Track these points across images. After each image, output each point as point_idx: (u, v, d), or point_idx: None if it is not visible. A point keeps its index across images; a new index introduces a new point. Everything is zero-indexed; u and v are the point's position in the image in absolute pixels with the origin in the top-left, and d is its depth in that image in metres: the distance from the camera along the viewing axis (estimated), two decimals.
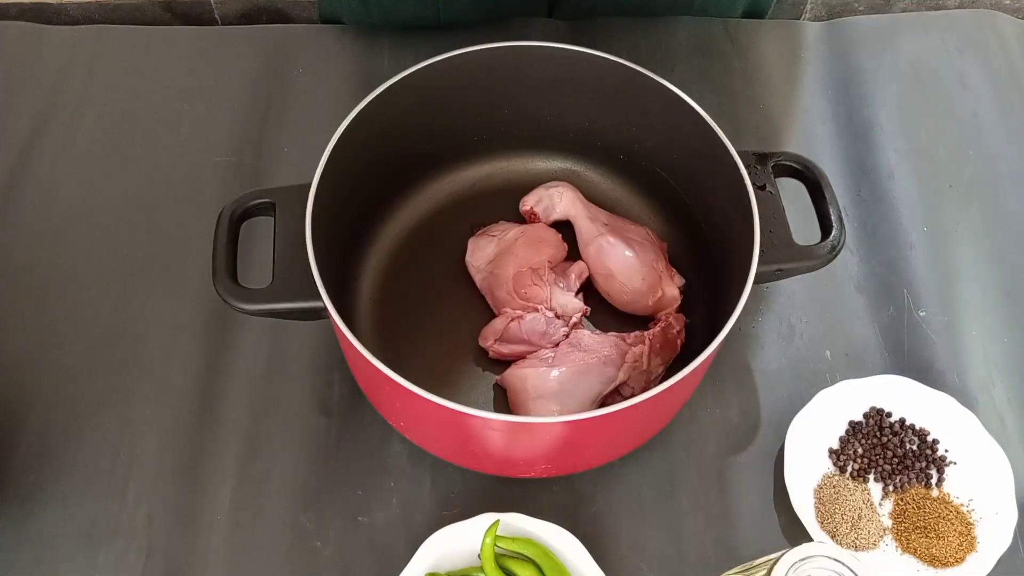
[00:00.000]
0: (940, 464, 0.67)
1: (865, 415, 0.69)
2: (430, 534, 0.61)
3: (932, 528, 0.64)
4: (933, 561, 0.63)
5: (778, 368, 0.72)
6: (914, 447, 0.68)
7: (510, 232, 0.74)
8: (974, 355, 0.73)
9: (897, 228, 0.80)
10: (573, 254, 0.75)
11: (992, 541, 0.63)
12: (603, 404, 0.66)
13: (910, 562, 0.64)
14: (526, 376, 0.66)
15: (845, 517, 0.65)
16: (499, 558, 0.60)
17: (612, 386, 0.67)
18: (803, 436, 0.67)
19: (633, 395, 0.56)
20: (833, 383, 0.69)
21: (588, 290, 0.74)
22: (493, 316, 0.72)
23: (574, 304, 0.71)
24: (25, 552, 0.64)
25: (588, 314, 0.72)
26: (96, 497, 0.66)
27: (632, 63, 0.69)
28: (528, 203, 0.77)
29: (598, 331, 0.69)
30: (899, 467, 0.67)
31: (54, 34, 0.91)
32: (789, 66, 0.90)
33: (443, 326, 0.72)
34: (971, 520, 0.65)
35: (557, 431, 0.58)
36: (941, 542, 0.64)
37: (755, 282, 0.60)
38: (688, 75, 0.87)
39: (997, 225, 0.81)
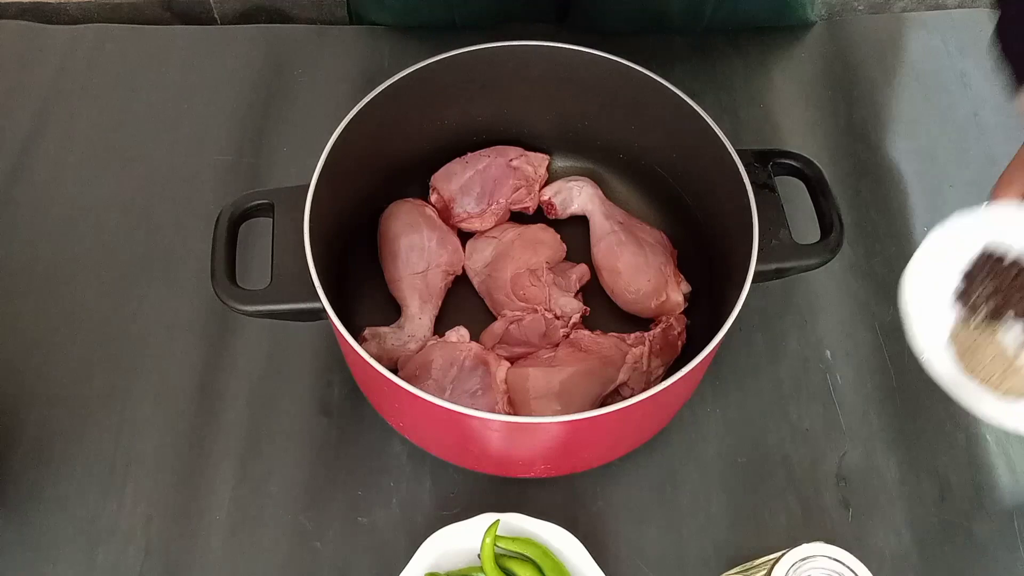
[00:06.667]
0: None
1: (987, 251, 0.60)
2: (430, 534, 0.61)
3: None
4: None
5: (778, 368, 0.72)
6: None
7: (507, 234, 0.74)
8: None
9: (897, 228, 0.80)
10: (573, 255, 0.75)
11: None
12: (603, 405, 0.66)
13: None
14: (526, 376, 0.66)
15: (994, 364, 0.57)
16: (499, 558, 0.60)
17: (612, 387, 0.67)
18: (922, 285, 0.60)
19: (633, 396, 0.56)
20: (833, 383, 0.69)
21: (588, 290, 0.74)
22: (493, 318, 0.72)
23: (573, 305, 0.71)
24: (24, 552, 0.64)
25: (588, 314, 0.72)
26: (95, 496, 0.66)
27: (632, 62, 0.69)
28: (547, 194, 0.77)
29: (598, 331, 0.69)
30: None
31: (53, 33, 0.91)
32: (789, 65, 0.90)
33: (442, 329, 0.71)
34: None
35: (557, 431, 0.58)
36: None
37: (754, 281, 0.60)
38: (688, 74, 0.87)
39: None
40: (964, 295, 0.60)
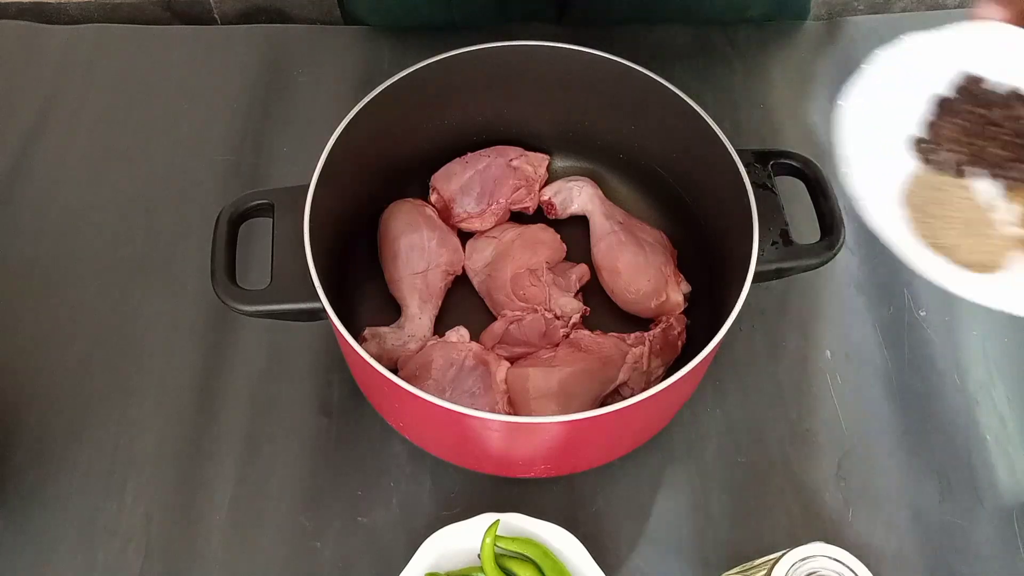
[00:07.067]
0: None
1: (957, 87, 0.49)
2: (430, 534, 0.61)
3: None
4: None
5: (778, 368, 0.72)
6: None
7: (507, 234, 0.74)
8: (974, 355, 0.73)
9: None
10: (573, 255, 0.75)
11: None
12: (603, 405, 0.66)
13: None
14: (526, 376, 0.66)
15: (949, 226, 0.46)
16: (499, 558, 0.60)
17: (612, 387, 0.67)
18: (866, 122, 0.48)
19: (633, 396, 0.56)
20: (833, 383, 0.69)
21: (588, 290, 0.74)
22: (493, 318, 0.72)
23: (573, 305, 0.71)
24: (24, 552, 0.64)
25: (588, 314, 0.72)
26: (95, 497, 0.66)
27: (632, 62, 0.69)
28: (547, 194, 0.77)
29: (598, 331, 0.69)
30: (1016, 152, 0.48)
31: (54, 33, 0.91)
32: (789, 65, 0.90)
33: (442, 329, 0.71)
34: None
35: (557, 431, 0.58)
36: None
37: (754, 281, 0.60)
38: (688, 74, 0.87)
39: None
40: (929, 136, 0.48)
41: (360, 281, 0.73)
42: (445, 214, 0.76)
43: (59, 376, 0.71)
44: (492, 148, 0.77)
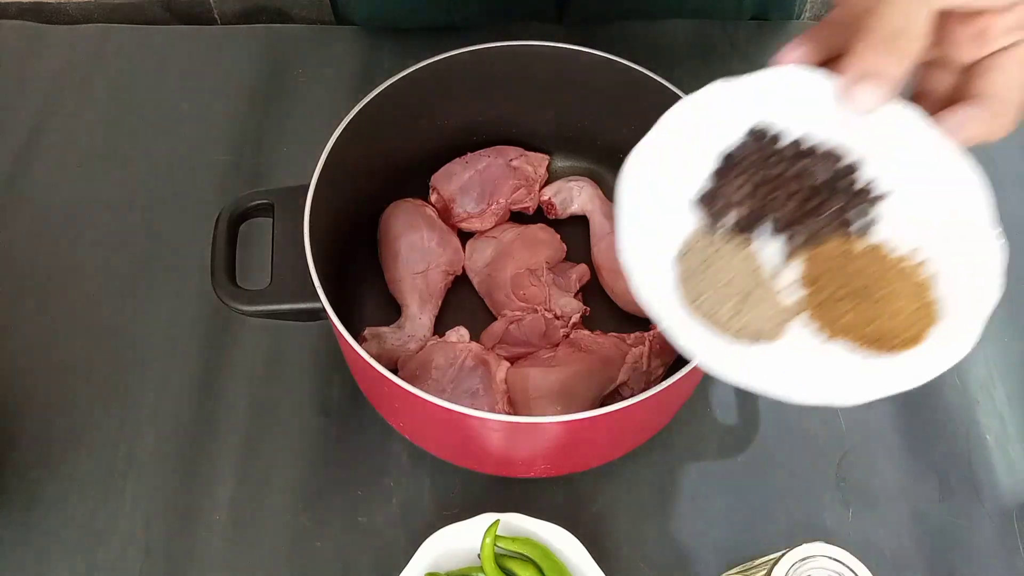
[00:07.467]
0: (863, 200, 0.45)
1: (744, 141, 0.46)
2: (430, 534, 0.61)
3: (863, 294, 0.44)
4: (876, 342, 0.43)
5: None
6: (825, 178, 0.45)
7: (507, 234, 0.74)
8: (974, 355, 0.73)
9: None
10: (573, 255, 0.75)
11: (965, 302, 0.43)
12: (603, 405, 0.66)
13: (839, 350, 0.44)
14: (526, 376, 0.66)
15: (724, 292, 0.44)
16: (499, 558, 0.60)
17: (612, 387, 0.67)
18: (650, 181, 0.46)
19: (633, 396, 0.56)
20: None
21: (588, 290, 0.74)
22: (493, 318, 0.72)
23: (573, 305, 0.71)
24: (24, 552, 0.64)
25: (588, 314, 0.72)
26: (95, 497, 0.66)
27: (632, 62, 0.69)
28: (547, 194, 0.77)
29: (598, 332, 0.69)
30: (804, 210, 0.45)
31: (53, 33, 0.91)
32: None
33: (442, 329, 0.71)
34: (922, 278, 0.45)
35: (557, 431, 0.58)
36: (878, 307, 0.43)
37: None
38: (688, 74, 0.86)
39: None
40: (713, 193, 0.45)
41: (360, 281, 0.73)
42: (445, 214, 0.76)
43: (59, 376, 0.71)
44: (492, 148, 0.77)
